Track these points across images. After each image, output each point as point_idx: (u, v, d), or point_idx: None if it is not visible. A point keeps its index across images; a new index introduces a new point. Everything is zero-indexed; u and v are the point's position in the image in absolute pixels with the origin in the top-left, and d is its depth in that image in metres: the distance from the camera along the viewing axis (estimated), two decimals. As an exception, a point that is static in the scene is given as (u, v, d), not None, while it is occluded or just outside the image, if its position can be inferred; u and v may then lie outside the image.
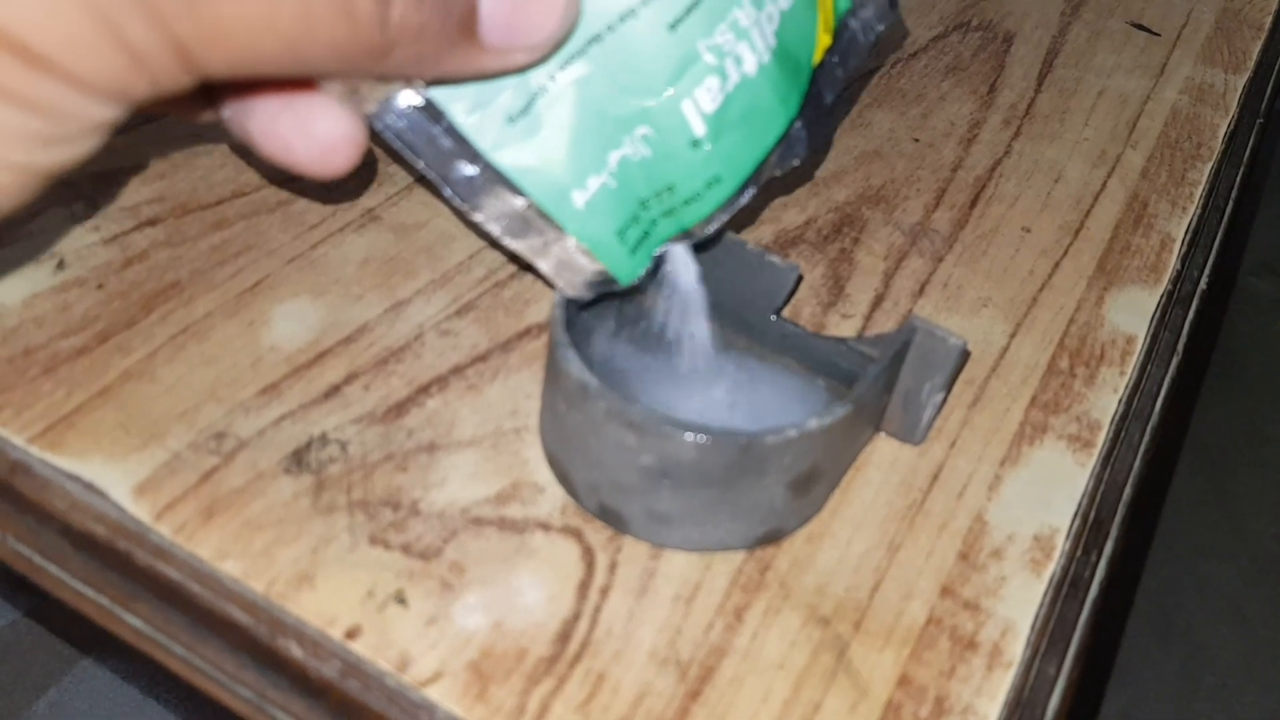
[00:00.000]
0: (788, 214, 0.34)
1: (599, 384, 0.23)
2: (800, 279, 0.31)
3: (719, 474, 0.23)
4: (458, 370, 0.28)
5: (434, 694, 0.22)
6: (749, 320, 0.28)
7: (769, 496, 0.24)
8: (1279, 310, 1.32)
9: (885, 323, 0.31)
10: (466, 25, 0.20)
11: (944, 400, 0.27)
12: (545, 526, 0.25)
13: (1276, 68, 0.47)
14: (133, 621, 0.24)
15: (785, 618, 0.24)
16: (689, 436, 0.22)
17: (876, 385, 0.25)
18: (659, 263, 0.25)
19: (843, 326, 0.31)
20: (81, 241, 0.29)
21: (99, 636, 0.58)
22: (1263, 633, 1.01)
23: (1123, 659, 0.98)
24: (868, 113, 0.39)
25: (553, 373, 0.24)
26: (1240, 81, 0.44)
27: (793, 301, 0.31)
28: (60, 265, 0.28)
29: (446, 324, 0.29)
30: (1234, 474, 1.14)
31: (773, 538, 0.25)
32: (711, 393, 0.27)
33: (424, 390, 0.27)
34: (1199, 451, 1.15)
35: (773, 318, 0.27)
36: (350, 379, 0.27)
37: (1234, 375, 1.23)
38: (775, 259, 0.27)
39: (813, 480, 0.24)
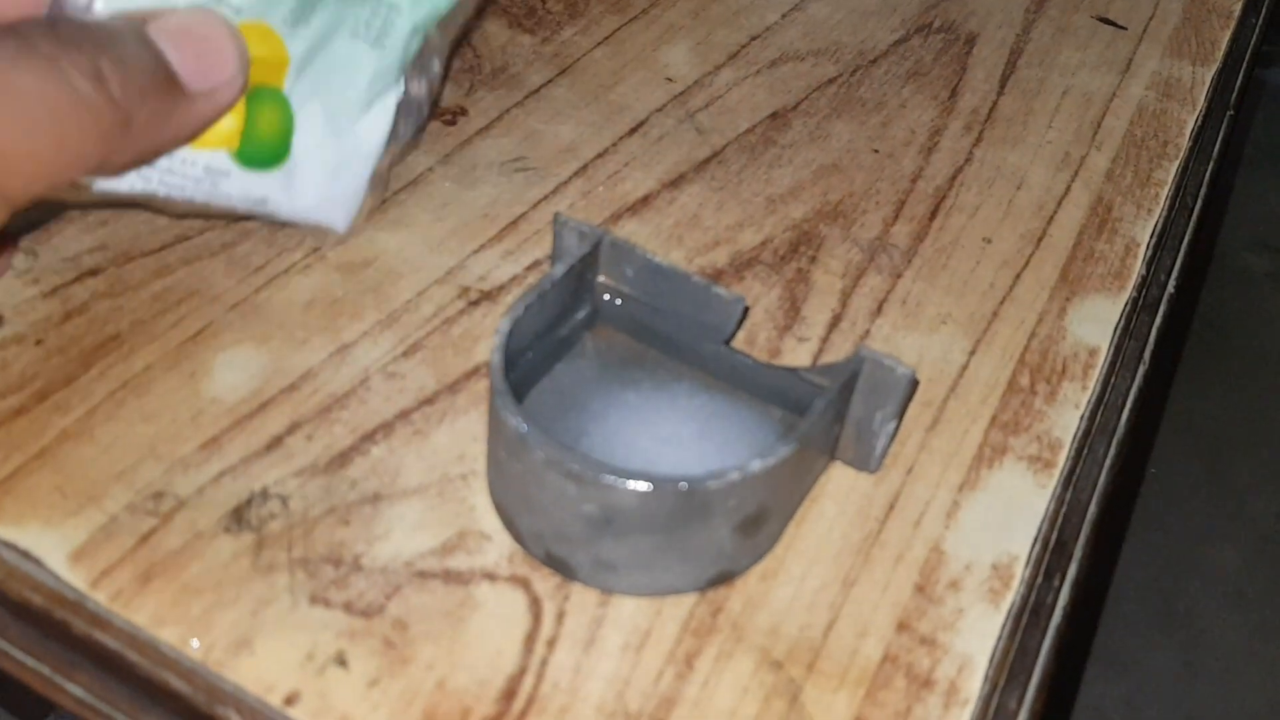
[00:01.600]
0: (743, 235, 0.34)
1: (537, 433, 0.22)
2: (747, 310, 0.31)
3: (663, 520, 0.22)
4: (404, 415, 0.27)
5: (375, 759, 0.21)
6: (699, 351, 0.27)
7: (717, 539, 0.23)
8: (1274, 285, 1.31)
9: (843, 344, 0.31)
10: (171, 81, 0.24)
11: (897, 428, 0.27)
12: (491, 576, 0.24)
13: (1247, 57, 0.46)
14: (74, 690, 0.24)
15: (737, 662, 0.23)
16: (629, 484, 0.22)
17: (824, 419, 0.24)
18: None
19: (799, 350, 0.30)
20: (20, 296, 0.29)
21: (44, 706, 0.58)
22: (1264, 614, 1.01)
23: (1124, 644, 0.97)
24: (826, 124, 0.38)
25: (493, 421, 0.24)
26: (1209, 73, 0.43)
27: (748, 325, 0.31)
28: (-2, 322, 0.28)
29: (393, 366, 0.28)
30: (1231, 453, 1.14)
31: (724, 579, 0.24)
32: (664, 426, 0.26)
33: (368, 438, 0.27)
34: (1195, 432, 1.14)
35: (722, 348, 0.27)
36: (293, 429, 0.27)
37: (1229, 353, 1.23)
38: (720, 291, 0.27)
39: (761, 520, 0.24)
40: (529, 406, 0.26)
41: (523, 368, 0.26)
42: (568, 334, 0.28)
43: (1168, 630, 0.99)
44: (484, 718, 0.22)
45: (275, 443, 0.26)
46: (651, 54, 0.40)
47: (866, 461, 0.27)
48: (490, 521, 0.25)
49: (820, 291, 0.32)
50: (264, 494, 0.25)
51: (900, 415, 0.26)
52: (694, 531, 0.23)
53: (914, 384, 0.26)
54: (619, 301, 0.28)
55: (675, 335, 0.28)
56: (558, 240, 0.28)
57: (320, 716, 0.22)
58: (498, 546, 0.25)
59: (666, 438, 0.27)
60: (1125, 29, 0.45)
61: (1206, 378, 1.20)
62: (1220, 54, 0.45)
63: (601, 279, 0.28)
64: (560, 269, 0.26)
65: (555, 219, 0.27)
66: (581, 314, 0.28)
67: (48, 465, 0.25)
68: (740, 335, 0.30)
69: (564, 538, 0.23)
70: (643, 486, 0.22)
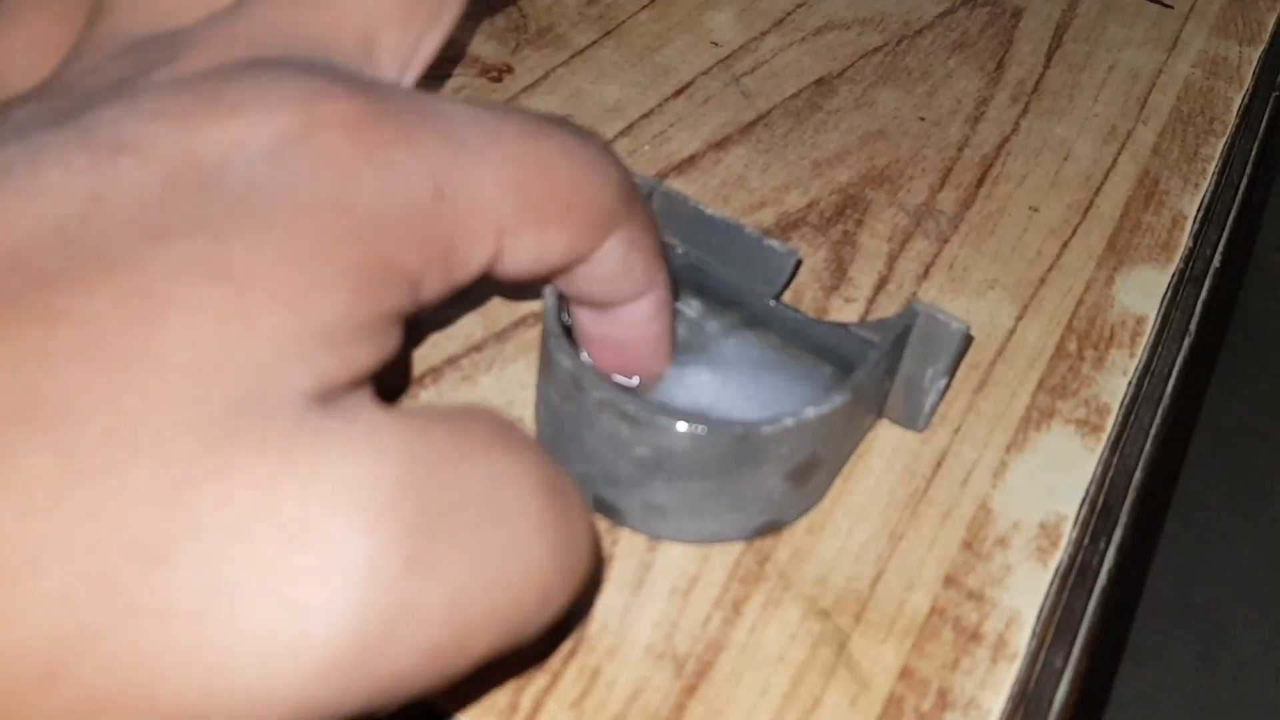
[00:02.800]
0: (789, 196, 0.33)
1: (592, 374, 0.22)
2: (800, 263, 0.31)
3: (715, 465, 0.22)
4: (452, 361, 0.27)
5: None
6: (749, 305, 0.27)
7: (767, 487, 0.23)
8: (1300, 285, 1.30)
9: (889, 306, 0.31)
10: None
11: (947, 386, 0.26)
12: (540, 519, 0.24)
13: (1293, 39, 0.46)
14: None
15: (785, 610, 0.23)
16: (683, 427, 0.22)
17: (876, 372, 0.24)
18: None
19: (845, 310, 0.30)
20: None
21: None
22: (1283, 611, 1.01)
23: (1141, 639, 0.97)
24: (872, 91, 0.38)
25: (545, 364, 0.24)
26: (1255, 53, 0.43)
27: (794, 285, 0.31)
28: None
29: (441, 313, 0.28)
30: (1252, 451, 1.13)
31: (771, 529, 0.24)
32: (711, 379, 0.26)
33: (417, 383, 0.27)
34: (1217, 429, 1.14)
35: (772, 303, 0.27)
36: (342, 371, 0.27)
37: (1252, 351, 1.22)
38: (774, 244, 0.26)
39: (812, 470, 0.24)
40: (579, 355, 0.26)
41: (573, 316, 0.26)
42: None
43: (1186, 624, 0.99)
44: (533, 654, 0.22)
45: (325, 383, 0.26)
46: (697, 18, 0.40)
47: (914, 419, 0.26)
48: (538, 466, 0.25)
49: (867, 254, 0.32)
50: (314, 432, 0.25)
51: (952, 372, 0.26)
52: (745, 477, 0.23)
53: (968, 340, 0.26)
54: (670, 252, 0.28)
55: (725, 288, 0.27)
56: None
57: (371, 648, 0.22)
58: (546, 491, 0.25)
59: (715, 390, 0.27)
60: (1171, 8, 0.45)
61: (1229, 374, 1.19)
62: (1267, 35, 0.45)
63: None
64: (613, 218, 0.26)
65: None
66: (631, 265, 0.28)
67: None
68: (787, 294, 0.30)
69: (614, 481, 0.23)
70: (697, 429, 0.22)
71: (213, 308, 0.13)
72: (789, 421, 0.22)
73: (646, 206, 0.21)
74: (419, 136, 0.16)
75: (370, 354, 0.15)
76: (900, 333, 0.25)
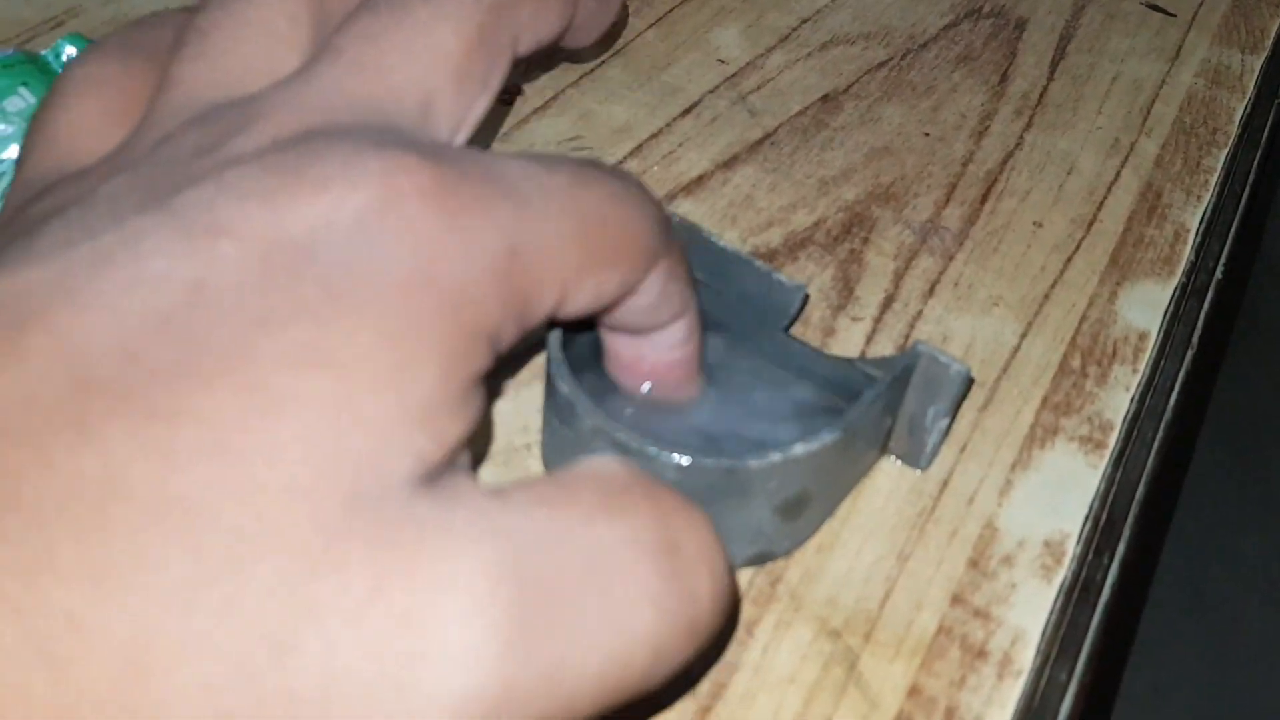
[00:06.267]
0: (796, 215, 0.34)
1: (587, 401, 0.23)
2: (807, 298, 0.31)
3: (703, 496, 0.23)
4: (469, 386, 0.28)
5: (449, 715, 0.22)
6: (757, 336, 0.28)
7: (756, 520, 0.24)
8: (1309, 276, 1.30)
9: (896, 324, 0.31)
10: None
11: (949, 426, 0.27)
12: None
13: (1296, 45, 0.46)
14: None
15: (796, 631, 0.24)
16: (670, 458, 0.22)
17: (871, 411, 0.25)
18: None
19: (852, 329, 0.31)
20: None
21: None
22: (1293, 604, 1.01)
23: (1152, 632, 0.98)
24: (877, 107, 0.39)
25: (548, 389, 0.24)
26: (1258, 62, 0.44)
27: (802, 305, 0.31)
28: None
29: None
30: (1262, 446, 1.13)
31: (763, 559, 0.25)
32: (720, 409, 0.27)
33: (435, 408, 0.27)
34: (1227, 423, 1.14)
35: (780, 334, 0.27)
36: (363, 398, 0.27)
37: (1261, 347, 1.22)
38: (783, 278, 0.27)
39: (803, 505, 0.24)
40: (585, 382, 0.27)
41: (581, 344, 0.27)
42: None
43: (1196, 618, 1.00)
44: (553, 678, 0.23)
45: (346, 411, 0.27)
46: (704, 36, 0.41)
47: (917, 458, 0.27)
48: (555, 491, 0.26)
49: (873, 272, 0.33)
50: (337, 460, 0.26)
51: (953, 413, 0.26)
52: (734, 509, 0.23)
53: (969, 382, 0.26)
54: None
55: (734, 319, 0.28)
56: (623, 218, 0.28)
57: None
58: (562, 515, 0.25)
59: (722, 419, 0.27)
60: (1174, 16, 0.46)
61: (1241, 370, 1.19)
62: (1269, 42, 0.45)
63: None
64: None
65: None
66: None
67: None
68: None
69: None
70: (684, 460, 0.22)
71: (321, 398, 0.14)
72: (776, 457, 0.23)
73: (679, 239, 0.22)
74: (490, 199, 0.17)
75: (462, 423, 0.16)
76: (900, 372, 0.25)
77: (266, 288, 0.15)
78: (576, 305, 0.18)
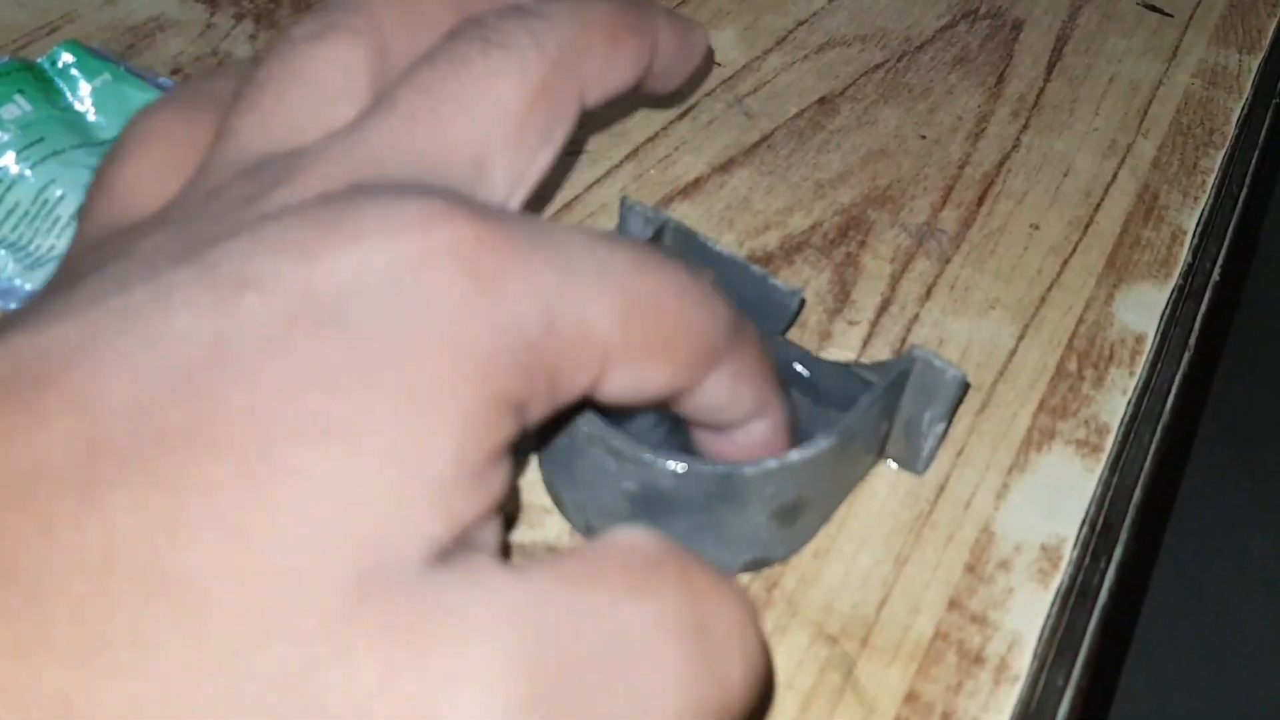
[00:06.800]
0: (793, 218, 0.34)
1: (584, 408, 0.23)
2: (804, 303, 0.31)
3: (699, 503, 0.23)
4: (465, 392, 0.28)
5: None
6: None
7: (753, 526, 0.24)
8: (1308, 273, 1.30)
9: (892, 328, 0.31)
10: None
11: (946, 430, 0.27)
12: (553, 549, 0.25)
13: (1293, 44, 0.46)
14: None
15: (793, 636, 0.24)
16: (667, 465, 0.22)
17: (868, 417, 0.25)
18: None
19: (849, 333, 0.31)
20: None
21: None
22: (1293, 602, 1.01)
23: (1152, 630, 0.98)
24: (874, 109, 0.39)
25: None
26: (1255, 62, 0.44)
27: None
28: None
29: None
30: (1260, 448, 1.13)
31: (759, 565, 0.25)
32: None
33: (432, 414, 0.27)
34: (1228, 422, 1.14)
35: (777, 339, 0.27)
36: (359, 404, 0.27)
37: (1258, 348, 1.22)
38: (778, 282, 0.27)
39: (799, 511, 0.24)
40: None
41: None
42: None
43: (1197, 616, 1.00)
44: (550, 685, 0.23)
45: (342, 417, 0.27)
46: (700, 38, 0.41)
47: (914, 462, 0.27)
48: (549, 497, 0.26)
49: (869, 276, 0.33)
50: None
51: (950, 418, 0.26)
52: (730, 516, 0.23)
53: (965, 387, 0.26)
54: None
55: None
56: (622, 223, 0.28)
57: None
58: (558, 520, 0.26)
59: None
60: (1171, 16, 0.45)
61: (1241, 369, 1.19)
62: (1266, 42, 0.45)
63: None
64: (621, 252, 0.27)
65: (622, 203, 0.28)
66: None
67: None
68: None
69: (605, 512, 0.24)
70: (680, 468, 0.22)
71: (329, 473, 0.14)
72: (772, 463, 0.23)
73: (755, 337, 0.21)
74: (533, 264, 0.16)
75: (482, 500, 0.15)
76: (896, 377, 0.25)
77: (287, 348, 0.14)
78: (614, 390, 0.18)
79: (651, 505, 0.23)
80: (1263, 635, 0.98)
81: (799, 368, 0.27)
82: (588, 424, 0.23)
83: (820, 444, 0.23)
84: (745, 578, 0.25)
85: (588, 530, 0.25)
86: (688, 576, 0.16)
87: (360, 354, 0.14)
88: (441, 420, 0.14)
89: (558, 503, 0.25)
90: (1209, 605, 1.00)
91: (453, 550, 0.15)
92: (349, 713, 0.13)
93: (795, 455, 0.23)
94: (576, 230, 0.17)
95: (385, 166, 0.17)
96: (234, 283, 0.15)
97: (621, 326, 0.17)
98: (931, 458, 0.27)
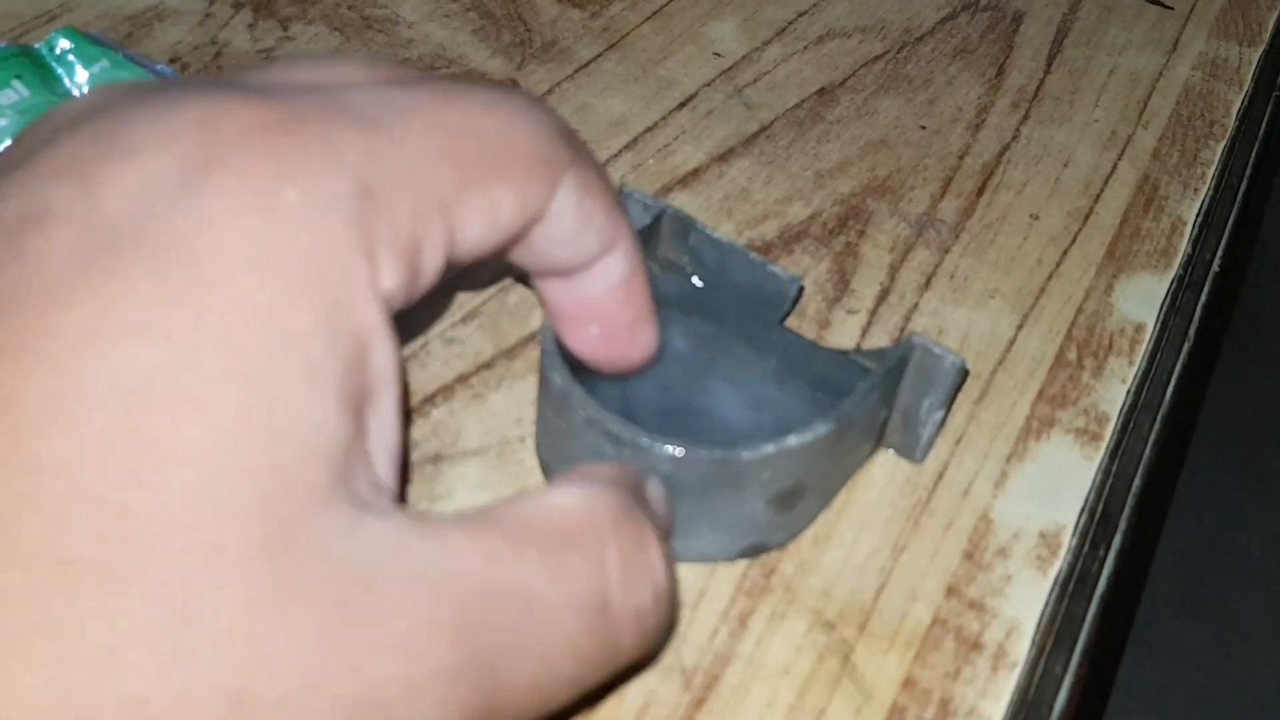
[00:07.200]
0: (792, 208, 0.34)
1: (580, 392, 0.23)
2: (802, 290, 0.31)
3: (696, 488, 0.23)
4: (463, 379, 0.28)
5: (442, 707, 0.22)
6: (753, 328, 0.28)
7: (750, 511, 0.24)
8: (1309, 272, 1.30)
9: (891, 317, 0.31)
10: None
11: (944, 418, 0.27)
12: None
13: (1293, 38, 0.46)
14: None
15: (790, 622, 0.24)
16: (664, 448, 0.22)
17: (866, 403, 0.24)
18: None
19: (848, 322, 0.31)
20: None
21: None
22: (1293, 600, 1.01)
23: (1152, 628, 0.98)
24: (873, 100, 0.39)
25: (542, 380, 0.24)
26: (1255, 54, 0.43)
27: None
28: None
29: (451, 332, 0.29)
30: (1262, 440, 1.13)
31: (757, 551, 0.25)
32: (715, 401, 0.27)
33: (429, 400, 0.27)
34: (1227, 419, 1.14)
35: (776, 326, 0.27)
36: (356, 391, 0.27)
37: (1257, 339, 1.22)
38: (777, 270, 0.27)
39: (797, 496, 0.24)
40: (580, 374, 0.27)
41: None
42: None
43: (1197, 614, 0.99)
44: (546, 670, 0.23)
45: (339, 404, 0.27)
46: (699, 29, 0.41)
47: (912, 450, 0.27)
48: (546, 480, 0.26)
49: (869, 265, 0.32)
50: (330, 453, 0.26)
51: (948, 405, 0.26)
52: (727, 501, 0.23)
53: (963, 374, 0.26)
54: (676, 274, 0.28)
55: (730, 311, 0.28)
56: (618, 210, 0.28)
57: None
58: (556, 507, 0.25)
59: (717, 413, 0.27)
60: (1172, 9, 0.45)
61: (1241, 365, 1.19)
62: (1267, 35, 0.45)
63: (660, 251, 0.28)
64: (619, 238, 0.27)
65: (620, 190, 0.28)
66: (637, 283, 0.28)
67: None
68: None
69: None
70: (678, 452, 0.22)
71: (188, 441, 0.13)
72: (769, 448, 0.23)
73: (591, 152, 0.19)
74: (330, 134, 0.15)
75: (355, 416, 0.14)
76: (895, 364, 0.25)
77: (87, 290, 0.13)
78: (474, 237, 0.16)
79: None
80: (1263, 632, 0.98)
81: (798, 355, 0.27)
82: (585, 409, 0.23)
83: (818, 428, 0.23)
84: (742, 563, 0.25)
85: None
86: (600, 556, 0.16)
87: (169, 288, 0.13)
88: (280, 357, 0.13)
89: None
90: (1208, 602, 1.00)
91: (358, 483, 0.14)
92: (280, 681, 0.13)
93: (793, 439, 0.23)
94: (370, 86, 0.16)
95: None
96: (15, 220, 0.14)
97: (447, 163, 0.16)
98: (930, 446, 0.27)
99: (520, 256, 0.19)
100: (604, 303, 0.21)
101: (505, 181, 0.17)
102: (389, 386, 0.15)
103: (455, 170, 0.16)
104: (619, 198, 0.21)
